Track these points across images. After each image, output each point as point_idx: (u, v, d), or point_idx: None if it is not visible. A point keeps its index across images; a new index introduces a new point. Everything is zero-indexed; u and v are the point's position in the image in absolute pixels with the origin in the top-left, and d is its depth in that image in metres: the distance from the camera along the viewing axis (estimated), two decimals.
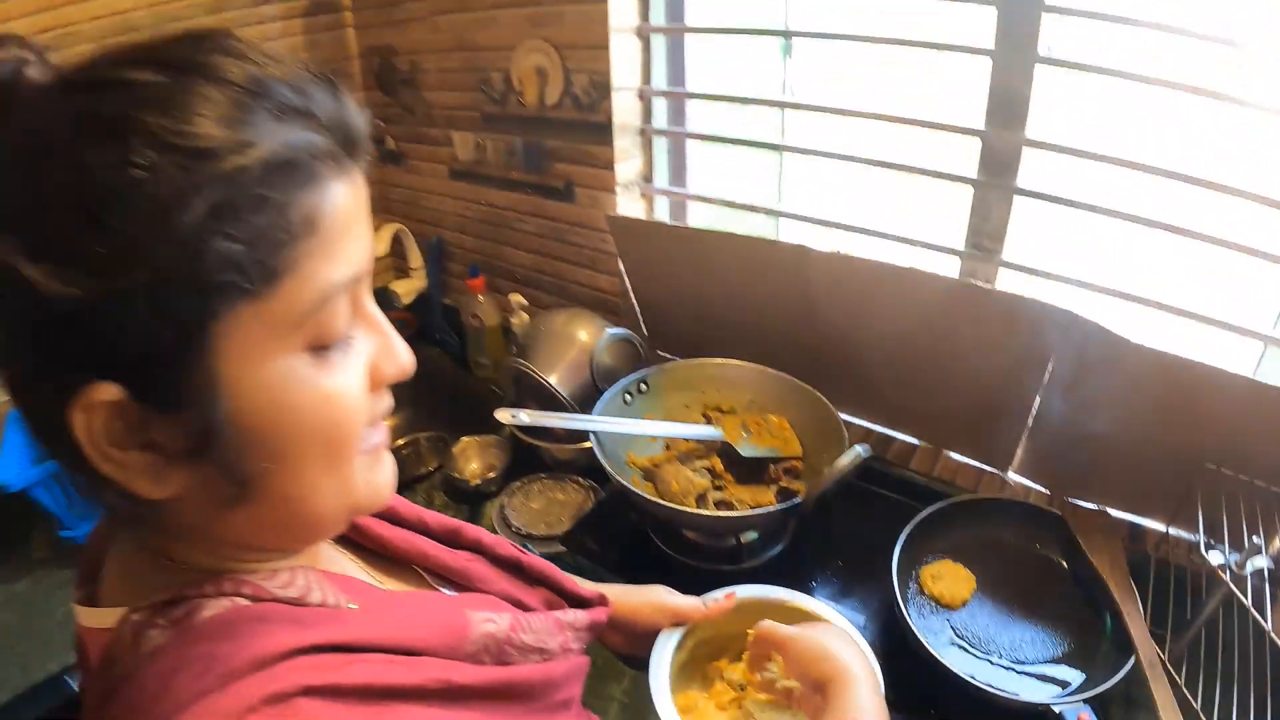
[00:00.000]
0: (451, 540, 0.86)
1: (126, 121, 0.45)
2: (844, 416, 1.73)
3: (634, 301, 1.92)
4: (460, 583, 0.84)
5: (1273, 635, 1.09)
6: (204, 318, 0.48)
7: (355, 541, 0.80)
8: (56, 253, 0.45)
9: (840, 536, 1.56)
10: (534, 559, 0.93)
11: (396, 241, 2.25)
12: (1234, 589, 1.15)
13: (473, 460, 1.91)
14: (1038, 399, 1.51)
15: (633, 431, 1.52)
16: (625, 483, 1.41)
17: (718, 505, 1.47)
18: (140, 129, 0.45)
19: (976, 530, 1.51)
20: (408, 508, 0.86)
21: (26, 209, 0.46)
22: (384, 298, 2.27)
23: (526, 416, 1.36)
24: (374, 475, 0.63)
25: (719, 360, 1.66)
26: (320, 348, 0.54)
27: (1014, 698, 1.22)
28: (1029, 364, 1.46)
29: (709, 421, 1.62)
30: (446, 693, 0.62)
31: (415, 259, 2.24)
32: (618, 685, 1.34)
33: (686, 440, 1.59)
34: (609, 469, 1.41)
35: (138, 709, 0.50)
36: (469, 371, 2.19)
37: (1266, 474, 1.30)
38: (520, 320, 2.01)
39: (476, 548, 0.88)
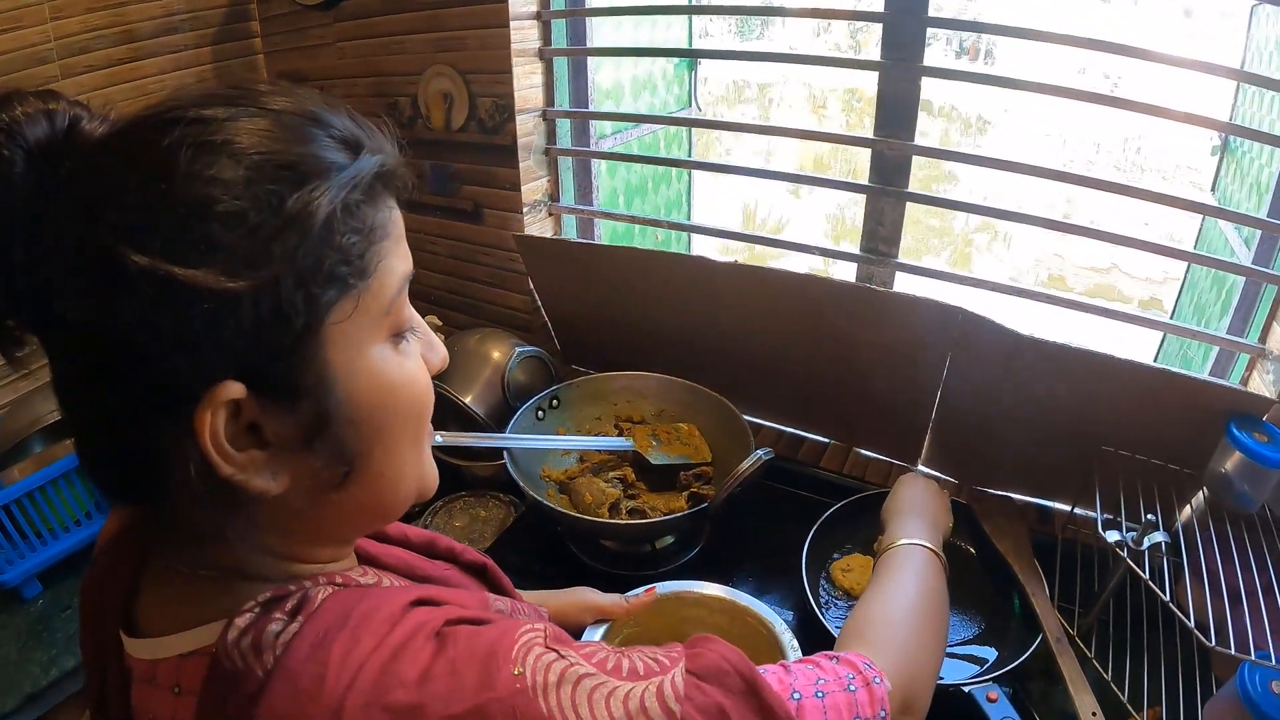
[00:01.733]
0: (429, 550, 0.88)
1: (234, 145, 0.52)
2: (755, 420, 1.76)
3: (545, 318, 1.93)
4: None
5: (1173, 607, 1.12)
6: (324, 310, 0.54)
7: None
8: (203, 255, 0.49)
9: (755, 536, 1.58)
10: (495, 567, 0.95)
11: None
12: (1132, 565, 1.18)
13: None
14: (939, 394, 1.54)
15: (545, 446, 1.52)
16: (539, 497, 1.41)
17: (631, 514, 1.49)
18: (249, 149, 0.52)
19: None
20: (393, 526, 0.87)
21: (163, 223, 0.49)
22: None
23: (441, 437, 1.36)
24: (431, 463, 0.70)
25: (628, 373, 1.68)
26: (397, 335, 0.62)
27: None
28: (928, 360, 1.49)
29: (621, 433, 1.63)
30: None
31: None
32: None
33: (599, 452, 1.61)
34: (523, 484, 1.41)
35: (307, 689, 0.52)
36: None
37: (1160, 453, 1.35)
38: None
39: (450, 556, 0.90)
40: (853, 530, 1.53)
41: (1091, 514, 1.40)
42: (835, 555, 1.50)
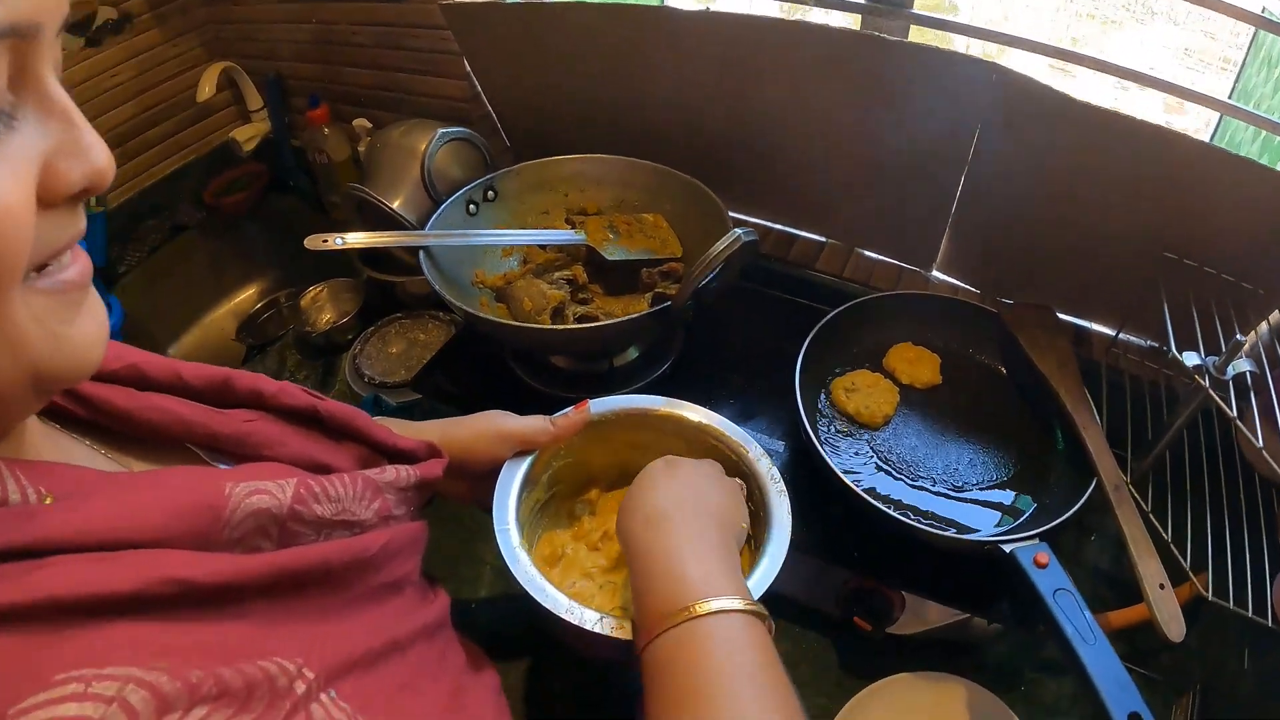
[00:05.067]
0: (220, 397, 0.64)
1: None
2: (736, 215, 1.42)
3: (487, 104, 1.56)
4: (238, 452, 0.62)
5: (1267, 456, 0.83)
6: None
7: (93, 421, 0.57)
8: None
9: (737, 351, 1.26)
10: (335, 406, 0.69)
11: (231, 84, 1.85)
12: (1215, 396, 0.89)
13: (326, 310, 1.59)
14: (963, 177, 1.21)
15: (470, 243, 1.17)
16: (462, 305, 1.07)
17: (581, 321, 1.16)
18: None
19: (896, 335, 1.22)
20: (158, 365, 0.62)
21: None
22: (226, 149, 1.89)
23: (342, 240, 1.06)
24: (66, 327, 0.43)
25: (581, 156, 1.31)
26: None
27: (948, 534, 0.96)
28: (949, 134, 1.16)
29: (573, 228, 1.28)
30: (186, 596, 0.43)
31: (254, 100, 1.84)
32: (487, 545, 1.06)
33: (544, 250, 1.26)
34: (441, 290, 1.08)
35: None
36: (326, 215, 1.84)
37: (1231, 264, 1.06)
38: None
39: (256, 402, 0.65)
40: (857, 342, 1.21)
41: (1136, 339, 1.17)
42: (836, 371, 1.18)
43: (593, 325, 1.05)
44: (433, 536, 0.73)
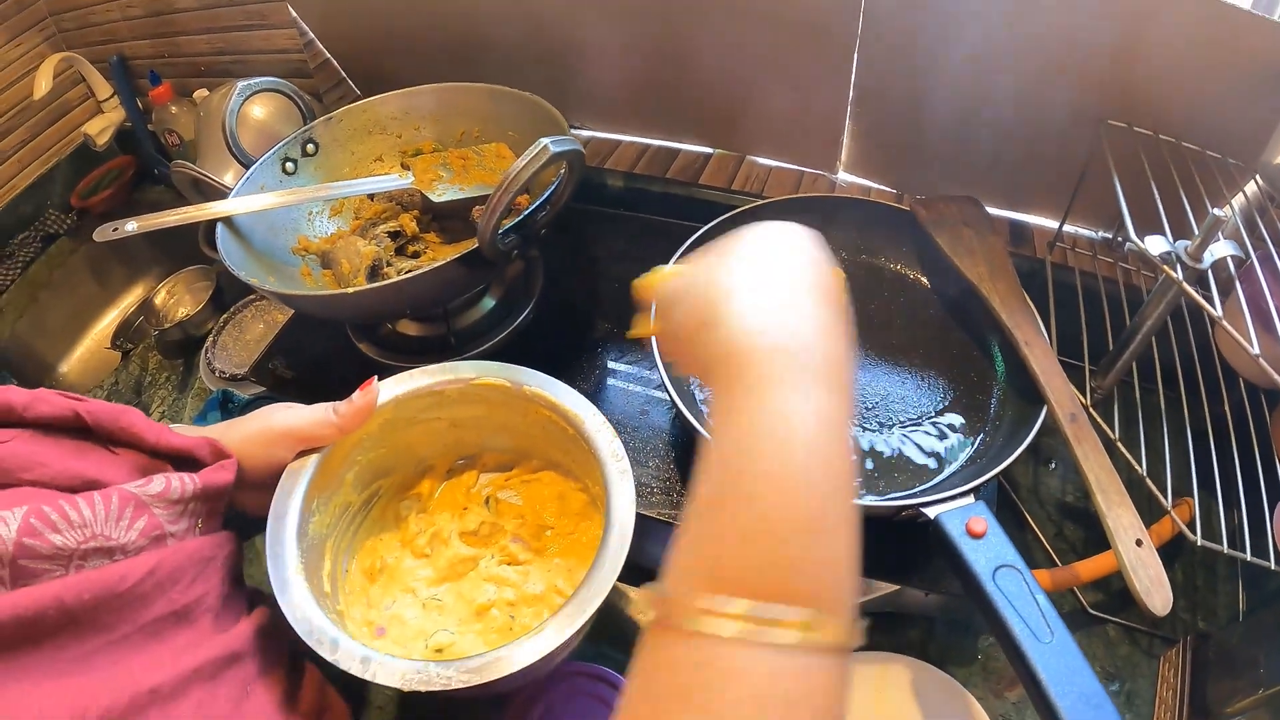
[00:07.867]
0: None
1: None
2: (610, 135, 1.23)
3: (323, 49, 1.33)
4: None
5: (1264, 363, 0.66)
6: None
7: None
8: None
9: (603, 295, 1.06)
10: (100, 408, 0.58)
11: (74, 76, 1.64)
12: (1190, 290, 0.71)
13: (183, 303, 1.40)
14: (855, 55, 1.00)
15: (269, 207, 0.94)
16: (253, 279, 0.86)
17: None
18: None
19: None
20: None
21: None
22: (82, 151, 1.68)
23: (133, 224, 0.88)
24: None
25: (402, 90, 1.08)
26: None
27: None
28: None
29: (409, 171, 1.06)
30: None
31: (103, 89, 1.63)
32: None
33: (374, 200, 1.05)
34: (232, 265, 0.87)
35: None
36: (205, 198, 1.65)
37: (1191, 130, 0.86)
38: None
39: (8, 418, 0.55)
40: None
41: (1083, 230, 1.00)
42: None
43: (384, 284, 0.81)
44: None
